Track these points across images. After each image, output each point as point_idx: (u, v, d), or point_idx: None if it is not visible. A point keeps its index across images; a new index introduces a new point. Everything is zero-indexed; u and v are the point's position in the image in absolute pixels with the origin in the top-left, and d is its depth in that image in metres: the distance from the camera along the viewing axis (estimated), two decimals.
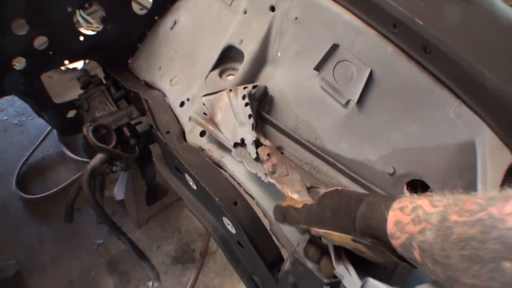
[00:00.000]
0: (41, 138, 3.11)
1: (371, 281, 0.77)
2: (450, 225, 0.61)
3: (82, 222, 2.57)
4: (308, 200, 1.04)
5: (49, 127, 3.07)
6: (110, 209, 2.66)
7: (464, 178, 0.97)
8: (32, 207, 2.78)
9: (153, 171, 1.89)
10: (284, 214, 0.98)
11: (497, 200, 0.58)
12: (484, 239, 0.56)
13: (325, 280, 0.88)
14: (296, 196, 1.03)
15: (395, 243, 0.73)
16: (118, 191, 2.61)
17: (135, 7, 1.79)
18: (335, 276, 0.91)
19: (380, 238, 0.77)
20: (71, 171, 2.96)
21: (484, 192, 0.72)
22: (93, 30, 2.08)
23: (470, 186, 0.93)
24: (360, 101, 1.09)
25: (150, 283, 2.12)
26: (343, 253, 0.91)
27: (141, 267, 2.13)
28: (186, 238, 2.79)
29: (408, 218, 0.69)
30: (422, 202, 0.69)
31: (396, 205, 0.74)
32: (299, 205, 0.96)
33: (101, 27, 1.72)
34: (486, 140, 0.91)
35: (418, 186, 1.08)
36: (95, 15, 2.62)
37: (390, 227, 0.73)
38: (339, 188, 0.93)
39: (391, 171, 1.07)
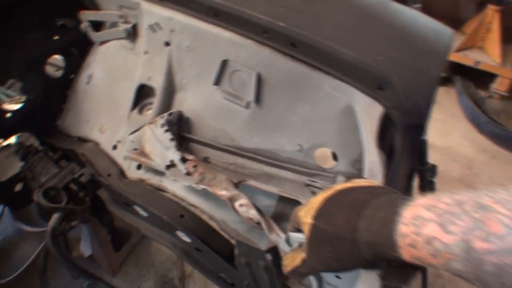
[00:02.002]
0: None
1: (292, 234, 0.94)
2: (479, 256, 0.56)
3: None
4: (238, 195, 1.19)
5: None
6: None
7: (355, 135, 1.14)
8: None
9: (110, 216, 1.97)
10: (296, 275, 0.94)
11: None
12: None
13: (263, 248, 1.06)
14: (225, 192, 1.19)
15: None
16: (85, 248, 2.65)
17: (51, 69, 1.88)
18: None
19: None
20: (34, 244, 2.91)
21: (478, 193, 0.62)
22: (17, 103, 2.14)
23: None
24: (257, 99, 1.27)
25: None
26: (273, 224, 1.09)
27: None
28: (162, 270, 2.86)
29: (424, 253, 0.64)
30: (432, 230, 0.63)
31: (402, 242, 0.68)
32: (298, 263, 0.90)
33: (23, 98, 1.81)
34: (359, 100, 1.09)
35: None
36: (15, 87, 2.59)
37: (407, 258, 0.69)
38: (312, 221, 0.84)
39: (298, 148, 1.24)
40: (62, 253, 1.64)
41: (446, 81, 4.66)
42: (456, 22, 4.75)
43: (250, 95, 1.27)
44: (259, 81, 1.24)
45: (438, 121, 4.25)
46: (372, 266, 0.81)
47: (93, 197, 1.74)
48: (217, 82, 1.33)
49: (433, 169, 1.68)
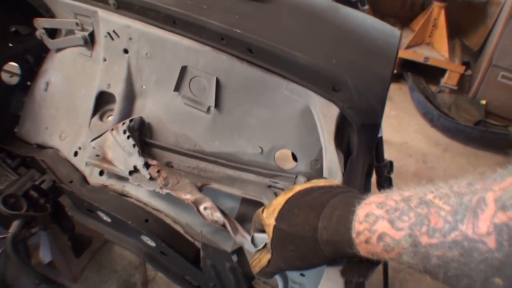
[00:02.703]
0: None
1: (257, 235, 0.98)
2: (424, 249, 0.59)
3: None
4: (203, 198, 1.22)
5: None
6: None
7: (313, 135, 1.18)
8: None
9: (71, 222, 1.96)
10: (265, 275, 0.95)
11: (463, 214, 0.56)
12: (467, 262, 0.54)
13: (229, 250, 1.09)
14: (189, 196, 1.22)
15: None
16: (44, 254, 2.57)
17: (5, 75, 1.84)
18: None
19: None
20: None
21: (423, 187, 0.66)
22: None
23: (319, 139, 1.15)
24: (217, 104, 1.30)
25: None
26: (238, 225, 1.13)
27: None
28: (124, 275, 2.84)
29: (379, 248, 0.67)
30: (382, 226, 0.66)
31: (357, 239, 0.71)
32: (264, 264, 0.91)
33: None
34: (315, 102, 1.13)
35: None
36: None
37: (364, 254, 0.71)
38: (274, 223, 0.85)
39: (259, 150, 1.28)
40: (23, 260, 1.63)
41: (398, 78, 4.81)
42: (404, 20, 4.91)
43: (210, 100, 1.30)
44: (218, 86, 1.28)
45: (392, 118, 4.38)
46: (334, 263, 0.85)
47: (54, 204, 1.72)
48: (177, 88, 1.36)
49: (390, 165, 1.75)
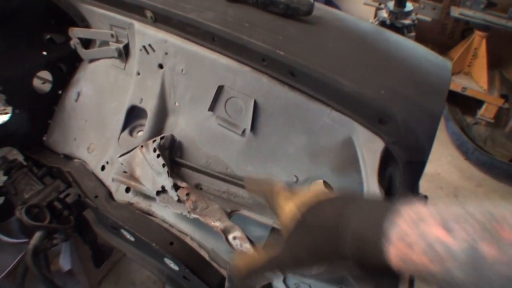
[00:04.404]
0: None
1: (290, 276, 0.92)
2: (488, 265, 0.50)
3: None
4: (232, 227, 1.16)
5: None
6: (61, 282, 2.64)
7: (355, 167, 1.10)
8: None
9: (94, 234, 1.94)
10: (251, 281, 0.90)
11: None
12: None
13: (257, 286, 1.03)
14: (218, 224, 1.16)
15: (403, 271, 0.62)
16: (64, 262, 2.59)
17: (38, 82, 1.84)
18: None
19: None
20: (12, 255, 2.85)
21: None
22: (1, 113, 2.10)
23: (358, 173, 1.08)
24: (253, 127, 1.24)
25: None
26: None
27: None
28: None
29: (420, 256, 0.57)
30: (435, 231, 0.56)
31: (395, 234, 0.60)
32: (261, 260, 0.81)
33: (7, 109, 1.76)
34: (359, 134, 1.07)
35: None
36: None
37: (395, 263, 0.61)
38: (300, 218, 0.76)
39: (295, 179, 1.22)
40: (42, 272, 1.60)
41: None
42: (442, 47, 4.80)
43: (246, 122, 1.24)
44: (256, 108, 1.22)
45: None
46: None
47: (77, 216, 1.70)
48: (212, 107, 1.31)
49: (424, 200, 1.67)
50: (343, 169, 1.17)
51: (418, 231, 0.58)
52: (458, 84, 4.35)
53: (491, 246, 0.50)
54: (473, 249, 0.51)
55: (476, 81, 4.39)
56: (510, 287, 0.48)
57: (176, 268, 1.29)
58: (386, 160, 1.06)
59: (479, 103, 4.38)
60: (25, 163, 1.88)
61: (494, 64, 4.45)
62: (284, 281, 0.98)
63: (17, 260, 2.78)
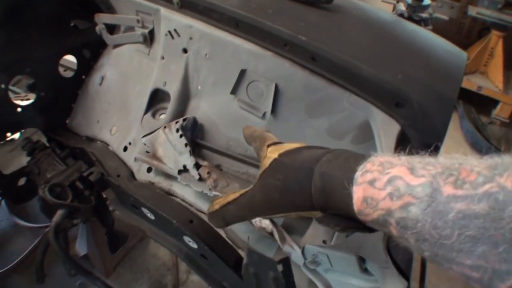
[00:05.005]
0: None
1: (308, 246, 0.95)
2: (444, 199, 0.50)
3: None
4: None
5: None
6: None
7: (371, 151, 1.14)
8: None
9: (111, 218, 1.97)
10: (222, 216, 0.90)
11: (504, 168, 0.48)
12: (496, 217, 0.45)
13: (276, 259, 1.06)
14: None
15: (364, 219, 0.63)
16: (80, 246, 2.65)
17: (60, 69, 1.88)
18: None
19: (344, 213, 0.68)
20: (29, 240, 2.92)
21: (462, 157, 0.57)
22: (22, 100, 2.15)
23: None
24: (274, 111, 1.28)
25: None
26: (286, 234, 1.10)
27: None
28: (156, 275, 2.86)
29: (382, 193, 0.58)
30: (399, 171, 0.58)
31: (361, 177, 0.62)
32: (235, 196, 0.85)
33: (29, 95, 1.80)
34: (376, 117, 1.09)
35: None
36: (21, 84, 2.62)
37: (358, 204, 0.62)
38: (277, 157, 0.79)
39: None
40: (63, 248, 1.64)
41: None
42: (459, 46, 4.78)
43: (267, 106, 1.28)
44: (277, 92, 1.26)
45: None
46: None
47: (97, 197, 1.75)
48: (234, 91, 1.34)
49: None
50: (359, 151, 1.19)
51: (382, 170, 0.60)
52: (473, 83, 4.35)
53: (449, 183, 0.51)
54: (431, 186, 0.53)
55: (491, 80, 4.39)
56: (464, 223, 0.48)
57: (195, 246, 1.32)
58: (401, 144, 1.09)
59: (494, 102, 4.39)
60: (48, 145, 1.93)
61: (510, 64, 4.44)
62: (302, 252, 1.01)
63: (34, 244, 2.84)
